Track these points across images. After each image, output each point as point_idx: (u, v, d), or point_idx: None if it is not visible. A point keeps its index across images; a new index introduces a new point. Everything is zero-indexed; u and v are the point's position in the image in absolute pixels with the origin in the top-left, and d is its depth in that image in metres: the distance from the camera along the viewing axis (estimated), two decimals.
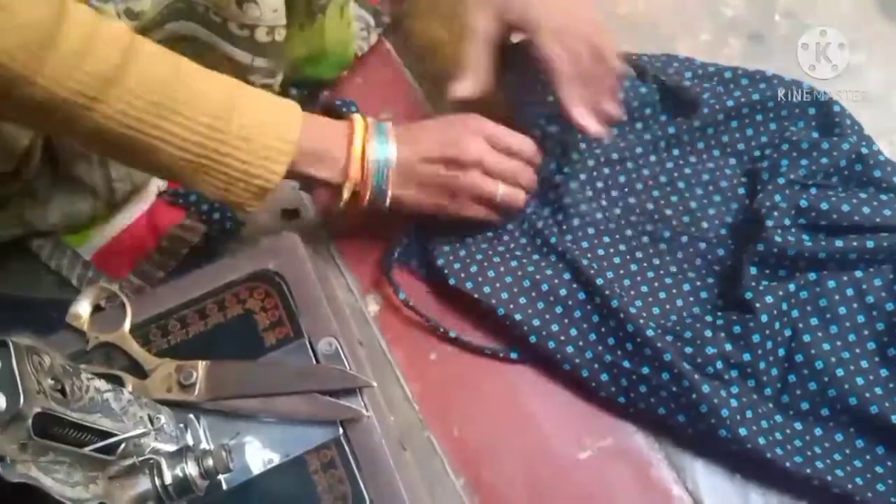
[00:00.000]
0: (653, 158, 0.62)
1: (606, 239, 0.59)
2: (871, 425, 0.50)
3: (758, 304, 0.52)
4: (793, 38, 0.68)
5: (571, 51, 0.54)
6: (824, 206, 0.54)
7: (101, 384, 0.39)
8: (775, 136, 0.60)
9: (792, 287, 0.54)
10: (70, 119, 0.43)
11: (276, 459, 0.46)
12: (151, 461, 0.39)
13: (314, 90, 0.69)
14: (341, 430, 0.46)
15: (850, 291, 0.54)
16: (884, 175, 0.56)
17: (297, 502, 0.45)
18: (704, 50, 0.69)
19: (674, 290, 0.57)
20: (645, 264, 0.58)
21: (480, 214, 0.57)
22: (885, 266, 0.54)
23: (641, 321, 0.53)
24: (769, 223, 0.54)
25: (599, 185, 0.61)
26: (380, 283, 0.61)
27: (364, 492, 0.44)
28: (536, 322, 0.55)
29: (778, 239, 0.53)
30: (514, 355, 0.57)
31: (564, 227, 0.59)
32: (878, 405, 0.50)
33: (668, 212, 0.60)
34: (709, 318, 0.54)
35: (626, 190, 0.62)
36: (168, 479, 0.39)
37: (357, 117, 0.54)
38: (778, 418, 0.51)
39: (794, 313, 0.54)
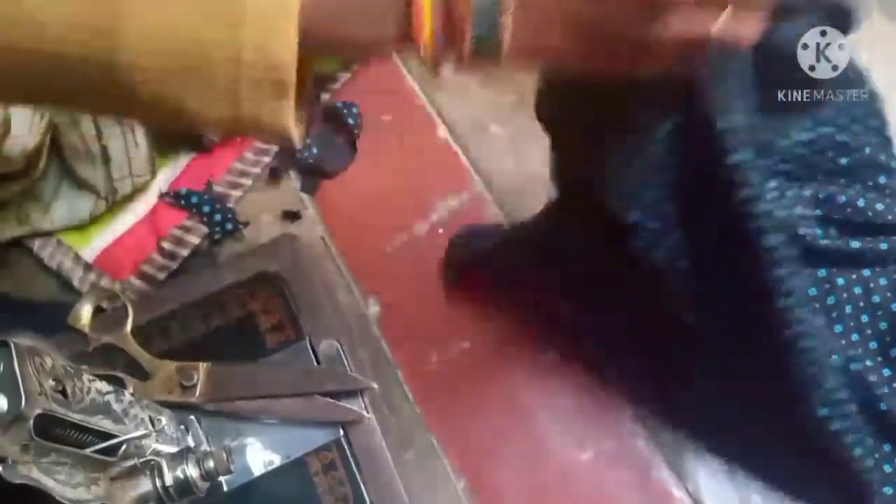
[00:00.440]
0: None
1: None
2: None
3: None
4: None
5: None
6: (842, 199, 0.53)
7: (102, 385, 0.39)
8: None
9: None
10: None
11: (277, 461, 0.46)
12: (152, 462, 0.39)
13: (315, 93, 0.69)
14: (342, 432, 0.47)
15: (857, 290, 0.54)
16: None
17: None
18: None
19: None
20: None
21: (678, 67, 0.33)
22: (890, 267, 0.54)
23: None
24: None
25: None
26: (380, 285, 0.61)
27: (365, 493, 0.45)
28: None
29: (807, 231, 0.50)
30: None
31: None
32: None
33: None
34: None
35: None
36: (169, 481, 0.39)
37: None
38: None
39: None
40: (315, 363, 0.49)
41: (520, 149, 0.66)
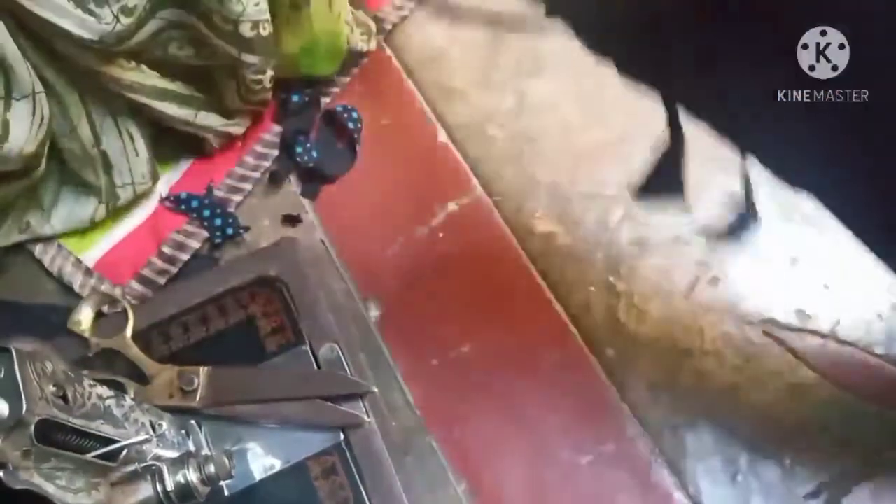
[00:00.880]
0: None
1: None
2: None
3: None
4: None
5: None
6: None
7: (102, 390, 0.39)
8: None
9: None
10: None
11: (278, 465, 0.46)
12: (153, 467, 0.39)
13: (314, 96, 0.69)
14: (342, 436, 0.47)
15: None
16: None
17: None
18: None
19: None
20: None
21: None
22: None
23: None
24: None
25: None
26: (380, 289, 0.61)
27: (365, 497, 0.45)
28: None
29: None
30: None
31: None
32: None
33: None
34: None
35: None
36: (170, 486, 0.39)
37: None
38: None
39: None
40: (315, 367, 0.49)
41: (519, 152, 0.66)
